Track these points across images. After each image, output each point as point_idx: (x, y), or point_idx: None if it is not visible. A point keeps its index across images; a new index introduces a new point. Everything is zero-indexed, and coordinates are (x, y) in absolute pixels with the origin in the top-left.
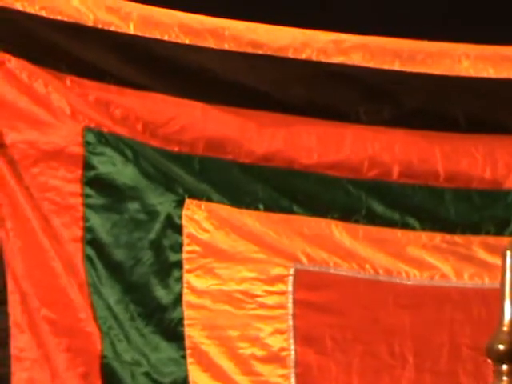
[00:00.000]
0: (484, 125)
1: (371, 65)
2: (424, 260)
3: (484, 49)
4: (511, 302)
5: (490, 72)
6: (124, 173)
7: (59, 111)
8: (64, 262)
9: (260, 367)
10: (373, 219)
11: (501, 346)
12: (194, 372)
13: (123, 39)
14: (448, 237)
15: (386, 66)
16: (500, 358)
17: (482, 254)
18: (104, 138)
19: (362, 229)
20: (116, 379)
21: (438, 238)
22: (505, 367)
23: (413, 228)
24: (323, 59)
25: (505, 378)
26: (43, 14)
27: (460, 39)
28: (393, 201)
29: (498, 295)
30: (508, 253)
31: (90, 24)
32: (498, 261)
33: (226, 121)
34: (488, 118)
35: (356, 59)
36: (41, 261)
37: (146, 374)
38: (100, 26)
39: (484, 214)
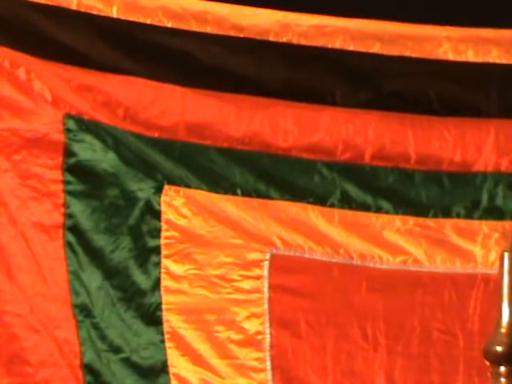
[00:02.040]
0: (457, 108)
1: (351, 48)
2: (397, 244)
3: (466, 31)
4: (509, 304)
5: (468, 55)
6: (104, 159)
7: (40, 98)
8: (40, 250)
9: (236, 350)
10: (347, 202)
11: (499, 348)
12: (173, 356)
13: (106, 23)
14: (420, 220)
15: (366, 49)
16: (498, 360)
17: (454, 239)
18: (85, 125)
19: (337, 213)
20: (93, 368)
21: (411, 221)
22: (502, 369)
23: (386, 212)
24: (303, 42)
25: (502, 380)
26: None
27: (443, 21)
28: (365, 183)
29: (469, 280)
30: (506, 255)
31: (74, 7)
32: (469, 245)
33: (205, 105)
34: (461, 101)
35: (336, 42)
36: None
37: (126, 360)
38: (83, 10)
39: (454, 197)
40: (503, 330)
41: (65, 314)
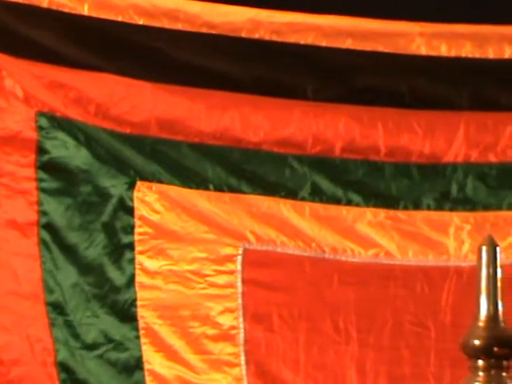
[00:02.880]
0: (429, 101)
1: (323, 44)
2: (369, 237)
3: (439, 27)
4: (487, 298)
5: (442, 50)
6: (77, 156)
7: (12, 96)
8: (14, 248)
9: (211, 345)
10: (318, 195)
11: (476, 342)
12: (148, 352)
13: (77, 21)
14: (391, 213)
15: (338, 45)
16: (476, 354)
17: (426, 231)
18: (57, 123)
19: (308, 206)
20: (68, 366)
21: (382, 214)
22: (481, 362)
23: (357, 204)
24: (276, 39)
25: (481, 374)
26: None
27: (416, 17)
28: (336, 176)
29: (442, 272)
30: (484, 248)
31: (45, 5)
32: (441, 238)
33: (176, 101)
34: (433, 94)
35: (309, 39)
36: None
37: (100, 357)
38: (54, 8)
39: (423, 188)
40: (481, 324)
41: (37, 313)
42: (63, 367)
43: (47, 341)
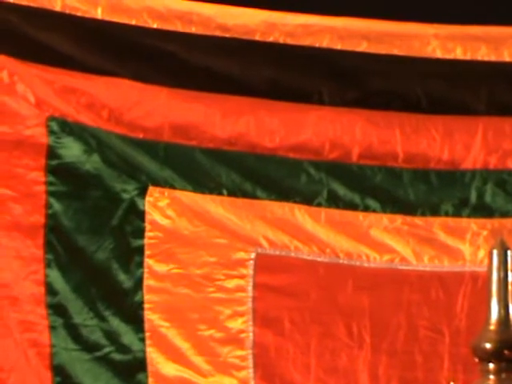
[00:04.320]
0: (445, 106)
1: (338, 47)
2: (385, 243)
3: (454, 28)
4: (498, 301)
5: (457, 52)
6: (88, 161)
7: (24, 101)
8: (16, 251)
9: (218, 348)
10: (334, 202)
11: (488, 345)
12: (153, 354)
13: (91, 24)
14: (408, 219)
15: (353, 48)
16: (487, 357)
17: (442, 237)
18: (68, 127)
19: (324, 212)
20: (64, 369)
21: (398, 220)
22: (491, 366)
23: (374, 210)
24: (290, 42)
25: (491, 377)
26: None
27: (431, 19)
28: (353, 182)
29: (457, 278)
30: (494, 252)
31: (58, 9)
32: (457, 243)
33: (190, 106)
34: (450, 98)
35: (324, 41)
36: None
37: (101, 359)
38: (67, 11)
39: (442, 195)
40: (492, 327)
41: (36, 316)
42: (58, 370)
43: (44, 345)
